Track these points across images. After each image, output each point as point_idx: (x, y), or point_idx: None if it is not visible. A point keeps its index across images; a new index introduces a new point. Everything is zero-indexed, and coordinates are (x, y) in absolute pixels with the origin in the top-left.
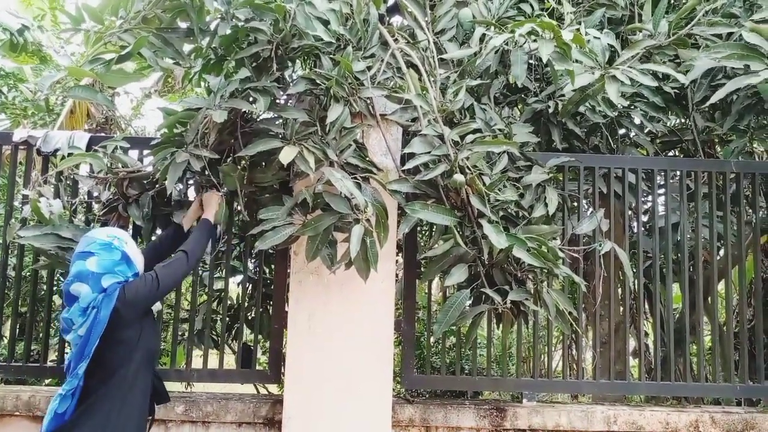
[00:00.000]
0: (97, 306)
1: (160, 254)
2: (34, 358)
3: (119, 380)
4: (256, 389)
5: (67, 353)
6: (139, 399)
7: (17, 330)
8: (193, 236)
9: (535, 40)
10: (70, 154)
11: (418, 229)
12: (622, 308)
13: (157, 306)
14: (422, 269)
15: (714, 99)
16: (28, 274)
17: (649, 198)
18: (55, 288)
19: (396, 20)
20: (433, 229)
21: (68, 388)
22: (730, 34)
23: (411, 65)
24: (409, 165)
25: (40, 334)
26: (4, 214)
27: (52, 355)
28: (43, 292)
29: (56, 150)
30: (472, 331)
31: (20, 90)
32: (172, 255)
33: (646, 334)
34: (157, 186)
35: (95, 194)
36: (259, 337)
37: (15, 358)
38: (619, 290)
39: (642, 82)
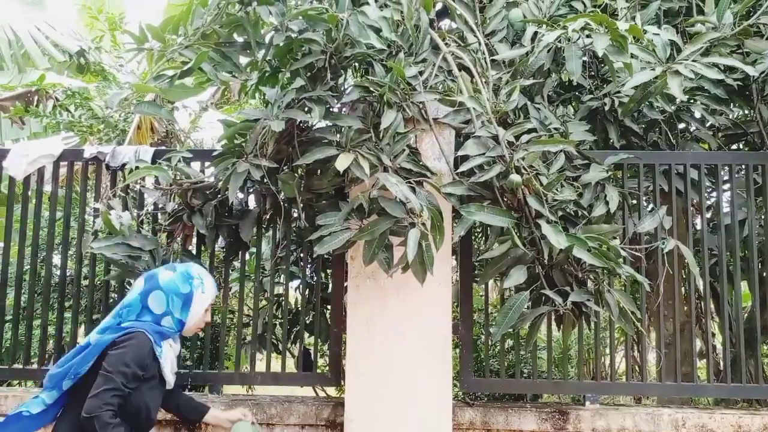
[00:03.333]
0: (92, 345)
1: None
2: None
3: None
4: (315, 392)
5: None
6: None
7: None
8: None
9: (588, 35)
10: (136, 168)
11: (472, 232)
12: (686, 308)
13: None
14: (478, 272)
15: None
16: (98, 282)
17: (713, 194)
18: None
19: (445, 24)
20: (488, 233)
21: (50, 402)
22: None
23: (463, 68)
24: (464, 167)
25: None
26: (77, 226)
27: None
28: (112, 300)
29: (124, 164)
30: (532, 333)
31: (87, 108)
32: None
33: (713, 335)
34: (219, 196)
35: (161, 205)
36: (318, 340)
37: None
38: (683, 289)
39: (706, 76)
